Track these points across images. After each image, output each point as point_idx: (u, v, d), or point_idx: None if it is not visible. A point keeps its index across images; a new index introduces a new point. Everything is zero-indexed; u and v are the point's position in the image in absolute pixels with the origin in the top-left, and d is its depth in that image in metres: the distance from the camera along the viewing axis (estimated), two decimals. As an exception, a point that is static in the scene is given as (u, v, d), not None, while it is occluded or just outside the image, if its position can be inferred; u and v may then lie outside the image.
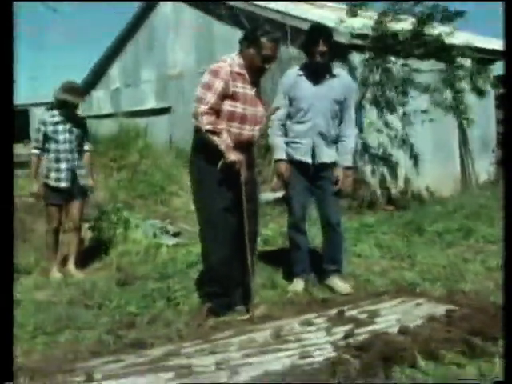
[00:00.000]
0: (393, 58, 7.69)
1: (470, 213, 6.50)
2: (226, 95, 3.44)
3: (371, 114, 8.01)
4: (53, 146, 5.03)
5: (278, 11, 8.69)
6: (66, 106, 5.06)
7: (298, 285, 4.18)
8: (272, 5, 9.15)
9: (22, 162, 6.36)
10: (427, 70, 7.90)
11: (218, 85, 3.41)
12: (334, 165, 4.15)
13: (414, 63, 7.80)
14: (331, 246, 4.22)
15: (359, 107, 7.38)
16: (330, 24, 6.48)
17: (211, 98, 3.41)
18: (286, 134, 4.18)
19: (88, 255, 5.71)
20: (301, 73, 4.13)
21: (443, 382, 2.38)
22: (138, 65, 12.62)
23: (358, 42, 7.64)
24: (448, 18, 7.40)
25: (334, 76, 4.12)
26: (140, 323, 3.46)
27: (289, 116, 4.16)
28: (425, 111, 8.00)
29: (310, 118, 4.08)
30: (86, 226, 6.22)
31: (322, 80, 4.09)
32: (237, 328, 3.20)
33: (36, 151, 5.07)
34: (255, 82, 3.61)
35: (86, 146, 5.33)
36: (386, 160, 8.22)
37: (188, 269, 4.74)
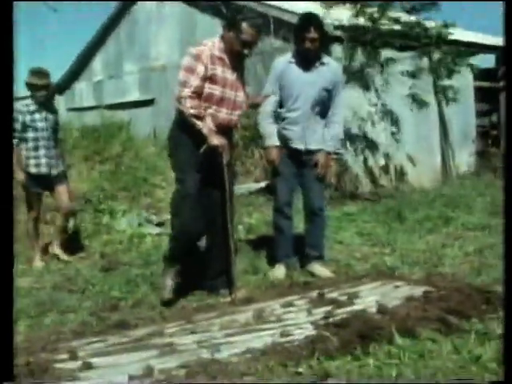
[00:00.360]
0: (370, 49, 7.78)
1: (449, 201, 6.62)
2: (205, 78, 3.48)
3: (354, 103, 8.09)
4: (31, 134, 5.06)
5: (261, 2, 8.73)
6: (35, 90, 5.09)
7: (280, 270, 4.23)
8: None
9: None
10: (405, 56, 8.00)
11: (200, 68, 3.45)
12: (319, 150, 4.21)
13: (393, 54, 7.91)
14: (314, 231, 4.28)
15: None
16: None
17: (194, 81, 3.44)
18: (276, 121, 4.21)
19: (72, 244, 5.70)
20: (291, 60, 4.16)
21: (418, 357, 2.44)
22: (121, 57, 12.57)
23: (338, 33, 7.70)
24: (420, 7, 7.53)
25: (323, 64, 4.15)
26: (124, 307, 3.50)
27: (279, 103, 4.19)
28: (410, 95, 8.07)
29: (299, 105, 4.12)
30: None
31: (311, 67, 4.13)
32: (219, 310, 3.25)
33: (15, 141, 5.07)
34: (236, 67, 3.64)
35: (60, 134, 5.38)
36: (367, 151, 8.31)
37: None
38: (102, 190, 7.69)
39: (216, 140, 3.45)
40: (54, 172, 5.14)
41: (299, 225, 4.84)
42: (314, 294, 3.46)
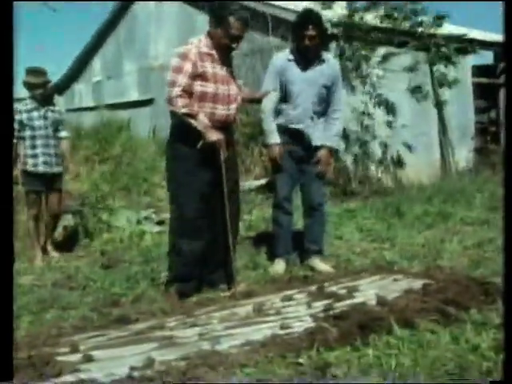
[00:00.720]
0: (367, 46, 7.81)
1: (448, 197, 6.63)
2: (195, 76, 3.46)
3: (350, 102, 8.11)
4: (28, 132, 5.11)
5: (259, 0, 8.75)
6: (32, 88, 5.14)
7: (280, 266, 4.25)
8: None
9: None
10: (402, 51, 8.02)
11: (188, 66, 3.44)
12: (320, 147, 4.23)
13: (389, 50, 7.94)
14: (313, 226, 4.30)
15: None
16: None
17: (182, 79, 3.43)
18: (278, 118, 4.20)
19: (72, 243, 5.74)
20: (290, 57, 4.15)
21: (417, 347, 2.46)
22: (120, 57, 12.60)
23: (334, 30, 7.72)
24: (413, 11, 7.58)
25: (322, 61, 4.16)
26: (124, 302, 3.51)
27: (281, 100, 4.18)
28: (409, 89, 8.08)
29: (300, 102, 4.13)
30: (69, 215, 6.27)
31: (311, 65, 4.13)
32: (219, 304, 3.27)
33: (13, 140, 5.11)
34: (226, 62, 3.64)
35: (63, 133, 5.39)
36: (366, 148, 8.32)
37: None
38: (101, 189, 7.72)
39: (213, 135, 3.45)
40: (52, 171, 5.17)
41: (298, 221, 4.86)
42: (314, 287, 3.48)
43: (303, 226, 4.41)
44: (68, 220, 6.10)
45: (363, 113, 8.13)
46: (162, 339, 2.65)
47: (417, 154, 8.88)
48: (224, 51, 3.60)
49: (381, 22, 7.67)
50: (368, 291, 3.36)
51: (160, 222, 6.53)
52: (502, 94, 10.63)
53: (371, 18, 7.73)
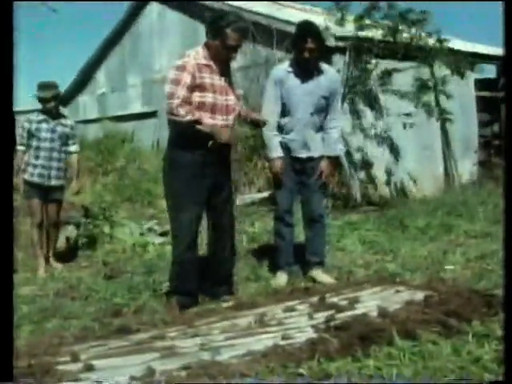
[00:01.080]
0: (372, 60, 7.82)
1: (451, 210, 6.63)
2: (194, 87, 3.47)
3: (354, 116, 8.13)
4: (34, 142, 5.18)
5: (263, 15, 8.82)
6: (45, 102, 5.22)
7: (282, 278, 4.24)
8: (258, 8, 9.28)
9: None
10: (405, 68, 8.03)
11: (186, 78, 3.44)
12: (320, 158, 4.23)
13: (394, 64, 7.95)
14: (314, 238, 4.30)
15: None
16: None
17: (181, 91, 3.43)
18: (278, 131, 4.21)
19: (74, 254, 5.75)
20: (290, 69, 4.17)
21: (418, 358, 2.45)
22: (124, 69, 12.69)
23: (340, 44, 7.76)
24: (418, 21, 7.56)
25: (321, 72, 4.18)
26: (126, 312, 3.51)
27: (281, 112, 4.19)
28: (408, 114, 8.09)
29: (299, 114, 4.14)
30: (71, 226, 6.29)
31: (310, 76, 4.15)
32: (221, 314, 3.26)
33: (21, 147, 5.18)
34: (224, 72, 3.64)
35: (72, 148, 5.41)
36: (369, 161, 8.33)
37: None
38: (104, 201, 7.74)
39: (224, 134, 3.49)
40: (49, 184, 5.20)
41: (299, 234, 4.86)
42: (315, 299, 3.47)
43: (305, 237, 4.40)
44: (71, 231, 6.12)
45: (366, 127, 8.14)
46: (163, 349, 2.64)
47: (420, 166, 8.88)
48: (222, 62, 3.61)
49: (384, 36, 7.67)
50: (369, 302, 3.35)
51: (163, 234, 6.54)
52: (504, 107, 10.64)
53: (375, 33, 7.74)
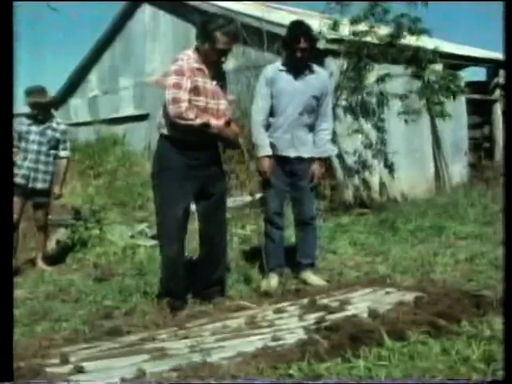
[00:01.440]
0: (365, 63, 7.82)
1: (442, 212, 6.67)
2: (189, 91, 3.47)
3: (346, 120, 8.16)
4: (23, 144, 5.22)
5: (254, 17, 8.83)
6: (34, 108, 5.24)
7: (273, 280, 4.23)
8: (249, 10, 9.29)
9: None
10: (399, 73, 8.06)
11: (186, 82, 3.45)
12: (310, 159, 4.24)
13: (386, 68, 7.96)
14: (305, 239, 4.31)
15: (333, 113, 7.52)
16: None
17: (184, 95, 3.43)
18: (267, 130, 4.21)
19: (64, 257, 5.73)
20: (281, 68, 4.19)
21: (407, 359, 2.47)
22: (116, 72, 12.65)
23: (333, 46, 7.76)
24: (417, 30, 7.58)
25: (312, 72, 4.20)
26: (117, 315, 3.51)
27: (270, 111, 4.20)
28: (403, 112, 8.10)
29: (289, 113, 4.15)
30: (62, 229, 6.27)
31: (301, 76, 4.17)
32: (211, 316, 3.27)
33: (14, 149, 5.17)
34: (216, 76, 3.64)
35: (62, 153, 5.42)
36: (361, 164, 8.35)
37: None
38: (96, 203, 7.71)
39: (239, 139, 3.66)
40: (33, 186, 5.20)
41: (290, 236, 4.87)
42: (306, 300, 3.48)
43: (295, 239, 4.41)
44: (61, 234, 6.11)
45: (357, 130, 8.15)
46: (154, 351, 2.64)
47: (411, 168, 8.92)
48: (213, 65, 3.61)
49: (379, 40, 7.68)
50: (360, 304, 3.36)
51: (154, 237, 6.51)
52: (495, 109, 10.72)
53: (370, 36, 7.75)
